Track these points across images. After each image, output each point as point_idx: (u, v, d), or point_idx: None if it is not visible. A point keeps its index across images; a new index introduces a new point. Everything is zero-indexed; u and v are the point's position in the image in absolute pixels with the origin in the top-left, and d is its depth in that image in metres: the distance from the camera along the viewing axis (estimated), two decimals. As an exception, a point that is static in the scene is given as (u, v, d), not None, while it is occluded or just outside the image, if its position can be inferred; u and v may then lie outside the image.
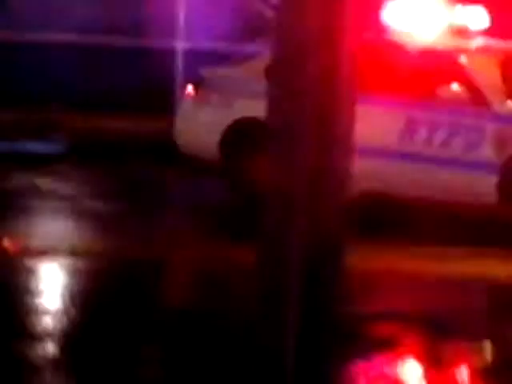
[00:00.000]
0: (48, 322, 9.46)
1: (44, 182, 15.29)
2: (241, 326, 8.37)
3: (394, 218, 12.78)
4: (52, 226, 13.56)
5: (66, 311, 9.88)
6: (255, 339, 5.19)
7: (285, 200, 4.86)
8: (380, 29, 13.81)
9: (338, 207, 4.84)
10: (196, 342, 8.86)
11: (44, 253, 11.77)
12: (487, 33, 14.92)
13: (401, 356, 8.99)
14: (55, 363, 8.35)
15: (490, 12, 14.87)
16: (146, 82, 19.16)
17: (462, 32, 14.23)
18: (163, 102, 16.74)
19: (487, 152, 13.15)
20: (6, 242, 11.83)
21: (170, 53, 20.31)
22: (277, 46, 4.95)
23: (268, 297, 5.01)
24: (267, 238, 5.02)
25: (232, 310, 9.57)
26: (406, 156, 13.23)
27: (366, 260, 10.17)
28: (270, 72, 9.60)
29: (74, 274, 11.19)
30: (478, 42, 14.46)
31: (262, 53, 14.98)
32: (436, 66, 13.74)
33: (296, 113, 4.79)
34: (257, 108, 13.53)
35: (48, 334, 9.05)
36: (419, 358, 8.98)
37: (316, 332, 4.88)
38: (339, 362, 5.11)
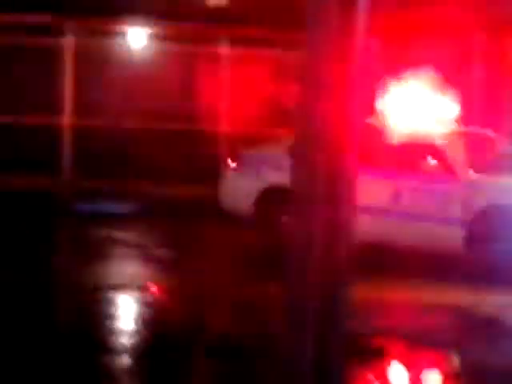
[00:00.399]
0: (124, 339, 9.55)
1: (125, 235, 15.24)
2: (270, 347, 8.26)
3: (386, 262, 12.76)
4: (128, 267, 13.59)
5: (137, 332, 10.00)
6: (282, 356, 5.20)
7: (304, 247, 4.92)
8: (375, 114, 13.85)
9: (346, 253, 4.91)
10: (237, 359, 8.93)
11: (122, 287, 11.85)
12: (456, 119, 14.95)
13: (390, 364, 9.08)
14: (129, 372, 8.50)
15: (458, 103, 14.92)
16: (199, 158, 19.15)
17: (439, 120, 14.25)
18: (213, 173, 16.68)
19: (456, 212, 13.15)
20: (153, 288, 11.88)
21: (216, 135, 20.47)
22: (297, 131, 5.07)
23: (292, 324, 5.05)
24: (291, 278, 5.09)
25: (263, 335, 9.50)
26: (394, 214, 13.26)
27: (366, 292, 10.20)
28: (292, 150, 9.74)
29: (143, 304, 11.27)
30: (450, 127, 14.43)
31: (286, 135, 15.16)
32: (417, 146, 13.77)
33: (311, 182, 4.88)
34: (282, 178, 13.68)
35: (125, 349, 9.15)
36: (404, 365, 9.03)
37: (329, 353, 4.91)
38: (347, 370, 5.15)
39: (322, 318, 4.80)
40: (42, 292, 11.49)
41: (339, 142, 4.79)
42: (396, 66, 15.27)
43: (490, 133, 15.62)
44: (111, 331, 9.82)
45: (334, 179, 4.77)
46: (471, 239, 13.09)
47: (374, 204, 12.85)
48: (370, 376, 8.48)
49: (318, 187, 4.78)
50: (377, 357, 9.05)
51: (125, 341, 9.54)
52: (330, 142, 4.77)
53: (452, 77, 15.19)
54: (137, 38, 21.46)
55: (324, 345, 4.81)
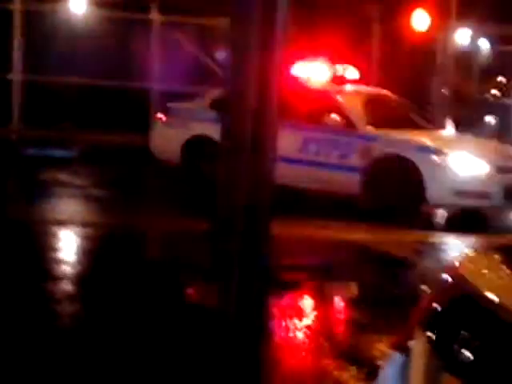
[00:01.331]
0: (65, 268, 9.37)
1: (68, 177, 15.17)
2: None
3: (296, 203, 12.70)
4: (68, 204, 13.40)
5: (77, 262, 9.94)
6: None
7: (231, 189, 4.78)
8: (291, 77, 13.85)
9: (268, 195, 4.77)
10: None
11: (63, 222, 11.62)
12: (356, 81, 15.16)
13: (302, 294, 9.04)
14: (71, 296, 8.36)
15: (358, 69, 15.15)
16: (134, 111, 19.08)
17: (340, 80, 14.40)
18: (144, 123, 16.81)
19: (354, 160, 13.17)
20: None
21: (148, 91, 20.54)
22: (227, 89, 4.89)
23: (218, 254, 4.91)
24: (218, 214, 4.92)
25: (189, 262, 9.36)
26: (303, 161, 13.22)
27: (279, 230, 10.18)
28: (221, 104, 9.70)
29: (82, 237, 11.06)
30: (350, 86, 14.55)
31: (207, 92, 15.24)
32: (322, 102, 13.83)
33: (239, 131, 4.71)
34: (204, 128, 13.71)
35: (67, 277, 8.99)
36: (313, 295, 9.00)
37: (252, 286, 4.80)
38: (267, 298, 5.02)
39: (246, 252, 4.67)
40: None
41: (263, 100, 4.66)
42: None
43: (387, 93, 15.58)
44: (55, 261, 9.58)
45: (258, 131, 4.65)
46: (368, 183, 13.08)
47: (287, 153, 12.77)
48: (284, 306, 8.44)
49: (245, 138, 4.67)
50: (290, 288, 8.97)
51: (68, 269, 9.34)
52: (254, 99, 4.64)
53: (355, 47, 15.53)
54: (79, 5, 21.42)
55: (248, 277, 4.68)
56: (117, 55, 21.12)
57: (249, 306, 4.71)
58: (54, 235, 11.00)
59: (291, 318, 8.24)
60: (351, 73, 15.07)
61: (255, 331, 4.69)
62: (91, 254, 10.22)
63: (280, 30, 4.73)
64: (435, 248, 11.77)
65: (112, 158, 16.88)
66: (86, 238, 10.95)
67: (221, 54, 20.03)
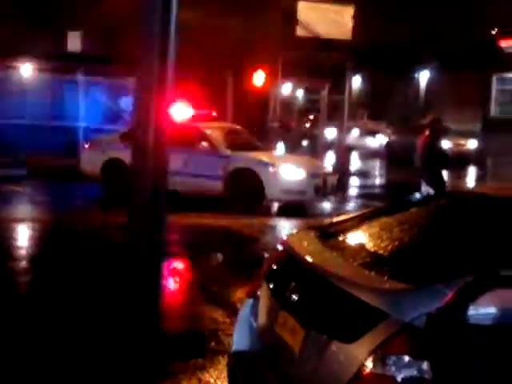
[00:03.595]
0: (23, 251, 9.08)
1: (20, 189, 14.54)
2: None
3: (179, 202, 12.55)
4: (22, 207, 12.94)
5: (31, 247, 9.58)
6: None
7: (138, 183, 4.68)
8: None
9: (163, 188, 4.68)
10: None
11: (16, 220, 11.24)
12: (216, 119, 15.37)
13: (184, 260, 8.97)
14: (26, 270, 8.11)
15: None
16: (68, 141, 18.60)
17: (204, 118, 14.49)
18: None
19: (218, 172, 13.19)
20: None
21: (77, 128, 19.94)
22: (135, 123, 4.80)
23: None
24: (132, 205, 4.75)
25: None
26: (183, 174, 13.09)
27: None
28: (127, 137, 9.49)
29: (32, 229, 10.71)
30: (212, 123, 14.68)
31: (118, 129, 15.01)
32: (195, 133, 13.80)
33: (140, 157, 4.65)
34: (117, 154, 13.46)
35: (23, 258, 8.71)
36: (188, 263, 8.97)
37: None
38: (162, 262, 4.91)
39: (151, 232, 4.60)
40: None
41: (158, 131, 4.59)
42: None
43: (237, 126, 15.75)
44: (13, 247, 9.23)
45: (156, 153, 4.57)
46: (227, 187, 13.16)
47: (174, 167, 12.71)
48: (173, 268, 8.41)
49: (147, 158, 4.58)
50: (175, 257, 8.93)
51: (23, 252, 9.04)
52: (153, 130, 4.57)
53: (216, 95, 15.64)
54: (25, 70, 21.55)
55: (153, 244, 4.59)
56: (54, 104, 20.71)
57: (151, 266, 4.64)
58: (13, 229, 10.64)
59: (178, 276, 8.25)
60: (211, 113, 15.39)
61: (155, 281, 4.62)
62: (39, 240, 9.92)
63: (171, 80, 4.65)
64: (272, 228, 11.84)
65: (52, 175, 16.26)
66: (35, 230, 10.65)
67: (124, 102, 19.90)
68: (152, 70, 4.56)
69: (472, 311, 2.65)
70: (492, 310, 2.65)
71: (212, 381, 5.08)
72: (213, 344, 5.78)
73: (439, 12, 21.35)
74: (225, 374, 4.90)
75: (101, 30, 23.94)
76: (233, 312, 6.23)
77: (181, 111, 13.73)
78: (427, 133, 11.03)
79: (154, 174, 4.60)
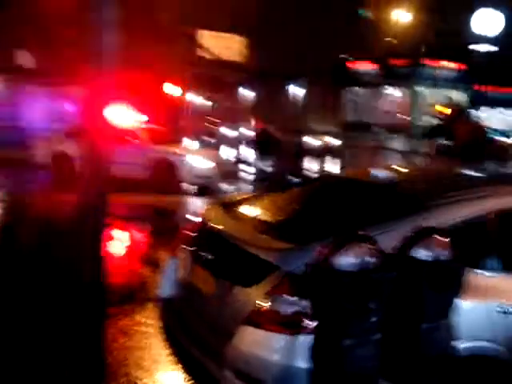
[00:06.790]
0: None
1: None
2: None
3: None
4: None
5: None
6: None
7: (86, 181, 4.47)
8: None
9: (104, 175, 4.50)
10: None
11: None
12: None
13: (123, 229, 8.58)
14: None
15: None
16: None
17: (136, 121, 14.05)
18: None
19: (143, 162, 12.72)
20: None
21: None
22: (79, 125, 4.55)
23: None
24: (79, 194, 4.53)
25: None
26: (119, 162, 12.61)
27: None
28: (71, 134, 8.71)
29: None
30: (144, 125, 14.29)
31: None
32: (127, 133, 13.32)
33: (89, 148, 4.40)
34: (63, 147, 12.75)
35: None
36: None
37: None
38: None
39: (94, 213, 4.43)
40: None
41: (103, 135, 4.39)
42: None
43: (161, 127, 15.29)
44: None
45: (98, 157, 4.36)
46: (153, 173, 12.67)
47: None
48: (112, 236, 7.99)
49: (92, 151, 4.37)
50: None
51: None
52: (97, 135, 4.36)
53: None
54: None
55: (98, 216, 4.41)
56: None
57: (95, 235, 4.47)
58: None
59: (118, 242, 8.01)
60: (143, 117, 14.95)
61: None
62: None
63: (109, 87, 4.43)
64: (188, 204, 11.58)
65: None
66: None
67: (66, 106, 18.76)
68: (95, 77, 4.35)
69: (337, 260, 2.71)
70: (351, 259, 2.73)
71: (142, 320, 5.00)
72: (142, 293, 5.67)
73: (308, 41, 21.89)
74: (151, 315, 4.84)
75: (42, 47, 22.48)
76: (158, 269, 6.13)
77: (121, 114, 13.29)
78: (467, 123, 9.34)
79: (98, 163, 4.43)
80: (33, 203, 10.03)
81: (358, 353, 2.48)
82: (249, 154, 17.00)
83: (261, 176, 15.16)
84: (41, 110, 18.92)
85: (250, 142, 17.43)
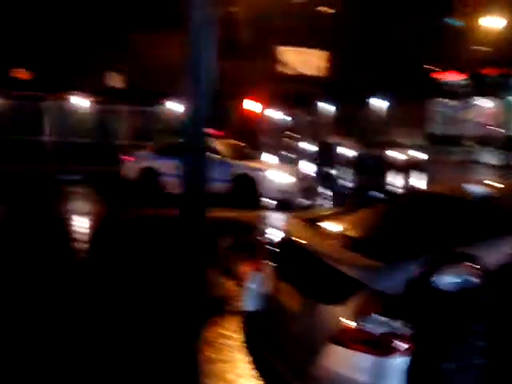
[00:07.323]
0: None
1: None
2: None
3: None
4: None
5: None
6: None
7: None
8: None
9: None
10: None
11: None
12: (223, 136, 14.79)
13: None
14: None
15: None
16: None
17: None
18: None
19: (228, 176, 12.82)
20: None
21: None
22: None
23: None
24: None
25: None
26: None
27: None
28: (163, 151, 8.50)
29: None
30: (221, 139, 14.21)
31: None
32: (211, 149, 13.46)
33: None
34: (150, 164, 12.96)
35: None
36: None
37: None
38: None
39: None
40: None
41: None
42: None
43: (237, 142, 15.16)
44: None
45: (197, 173, 4.47)
46: (233, 188, 12.89)
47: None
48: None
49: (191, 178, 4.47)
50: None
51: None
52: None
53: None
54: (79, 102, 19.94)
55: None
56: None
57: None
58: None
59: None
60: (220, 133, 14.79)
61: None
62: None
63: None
64: (270, 219, 11.52)
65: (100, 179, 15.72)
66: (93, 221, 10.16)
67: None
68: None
69: (437, 280, 2.60)
70: (451, 278, 2.61)
71: (226, 333, 5.02)
72: (225, 306, 5.70)
73: (392, 53, 21.47)
74: (234, 328, 4.85)
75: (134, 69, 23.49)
76: (241, 282, 6.14)
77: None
78: None
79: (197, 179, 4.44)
80: (126, 218, 10.48)
81: (458, 378, 2.36)
82: (328, 169, 16.78)
83: (341, 191, 14.89)
84: (128, 127, 19.69)
85: (313, 156, 17.14)
